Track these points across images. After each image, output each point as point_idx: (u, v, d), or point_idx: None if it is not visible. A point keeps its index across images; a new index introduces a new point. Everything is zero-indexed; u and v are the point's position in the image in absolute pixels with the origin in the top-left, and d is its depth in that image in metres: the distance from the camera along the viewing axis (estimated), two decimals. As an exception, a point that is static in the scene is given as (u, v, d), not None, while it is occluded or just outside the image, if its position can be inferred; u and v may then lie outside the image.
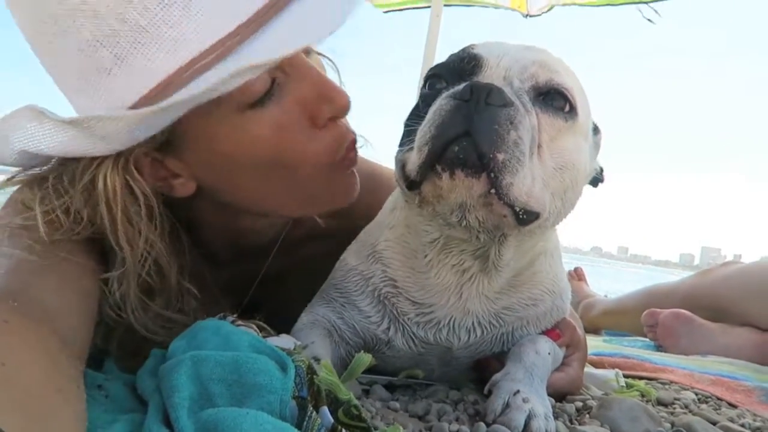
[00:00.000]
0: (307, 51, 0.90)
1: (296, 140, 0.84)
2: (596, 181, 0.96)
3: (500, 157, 0.71)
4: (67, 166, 0.79)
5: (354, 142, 0.93)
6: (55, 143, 0.71)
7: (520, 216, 0.76)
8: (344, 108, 0.87)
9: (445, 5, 3.41)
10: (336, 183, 0.93)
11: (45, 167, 0.80)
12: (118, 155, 0.77)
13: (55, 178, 0.79)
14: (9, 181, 0.80)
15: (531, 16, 3.86)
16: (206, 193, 0.91)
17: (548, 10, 3.89)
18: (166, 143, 0.82)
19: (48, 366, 0.53)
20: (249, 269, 1.12)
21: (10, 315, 0.55)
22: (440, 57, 0.92)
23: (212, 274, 1.06)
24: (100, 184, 0.76)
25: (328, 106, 0.85)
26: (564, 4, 3.82)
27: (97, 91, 0.72)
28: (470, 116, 0.72)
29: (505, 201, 0.73)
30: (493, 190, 0.72)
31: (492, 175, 0.71)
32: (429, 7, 3.23)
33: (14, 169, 0.81)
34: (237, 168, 0.85)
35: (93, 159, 0.76)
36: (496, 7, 3.97)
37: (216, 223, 1.01)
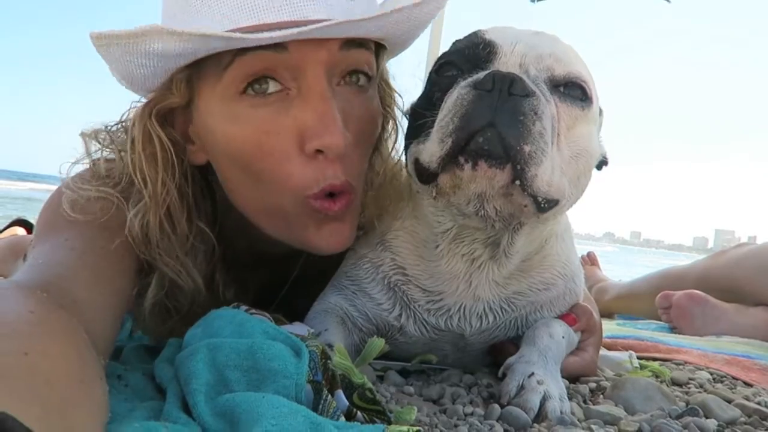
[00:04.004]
0: (360, 85, 0.90)
1: (276, 152, 0.83)
2: (601, 164, 0.96)
3: (527, 148, 0.71)
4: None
5: (337, 189, 0.86)
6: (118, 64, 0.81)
7: (542, 205, 0.76)
8: (331, 147, 0.82)
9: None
10: (304, 221, 0.89)
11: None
12: (147, 104, 0.87)
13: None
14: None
15: (540, -1, 3.79)
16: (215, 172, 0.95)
17: (557, -8, 3.80)
18: (189, 105, 0.89)
19: (72, 357, 0.53)
20: (277, 273, 1.12)
21: (37, 306, 0.56)
22: (445, 46, 0.90)
23: (238, 276, 1.06)
24: (133, 131, 0.87)
25: (315, 140, 0.82)
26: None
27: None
28: (494, 107, 0.71)
29: (528, 192, 0.73)
30: (517, 182, 0.72)
31: (518, 167, 0.71)
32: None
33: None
34: (220, 154, 0.89)
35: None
36: None
37: (234, 219, 1.00)
